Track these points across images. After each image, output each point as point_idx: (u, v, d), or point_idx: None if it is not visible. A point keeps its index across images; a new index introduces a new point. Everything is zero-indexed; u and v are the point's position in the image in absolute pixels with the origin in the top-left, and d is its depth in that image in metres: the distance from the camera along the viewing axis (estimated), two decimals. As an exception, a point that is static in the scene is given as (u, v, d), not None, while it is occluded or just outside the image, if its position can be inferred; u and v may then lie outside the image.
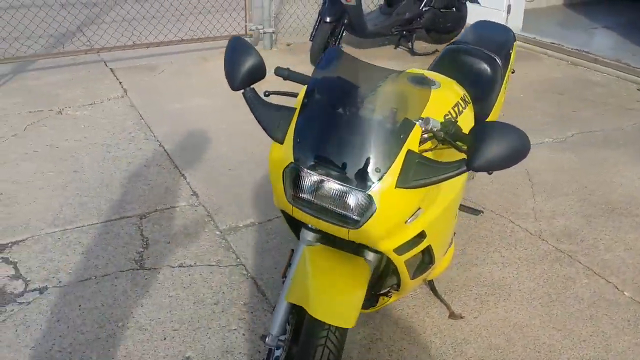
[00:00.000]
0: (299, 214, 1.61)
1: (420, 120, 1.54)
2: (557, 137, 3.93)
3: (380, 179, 1.46)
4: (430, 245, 1.78)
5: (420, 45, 5.74)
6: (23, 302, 2.36)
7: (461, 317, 2.39)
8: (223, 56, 1.70)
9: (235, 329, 2.27)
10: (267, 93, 1.80)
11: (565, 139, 3.91)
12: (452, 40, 2.80)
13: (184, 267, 2.59)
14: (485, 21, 2.87)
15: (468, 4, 5.63)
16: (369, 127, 1.49)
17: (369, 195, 1.46)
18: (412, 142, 1.50)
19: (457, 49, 2.52)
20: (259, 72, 1.61)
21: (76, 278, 2.50)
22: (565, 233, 2.90)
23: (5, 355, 2.13)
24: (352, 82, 1.57)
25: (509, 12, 6.12)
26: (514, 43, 2.76)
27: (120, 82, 4.67)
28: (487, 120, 2.43)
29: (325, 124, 1.50)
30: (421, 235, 1.70)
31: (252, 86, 1.65)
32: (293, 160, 1.51)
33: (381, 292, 1.97)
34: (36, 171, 3.33)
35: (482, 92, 2.44)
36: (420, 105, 1.61)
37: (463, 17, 5.75)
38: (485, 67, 2.47)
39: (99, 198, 3.09)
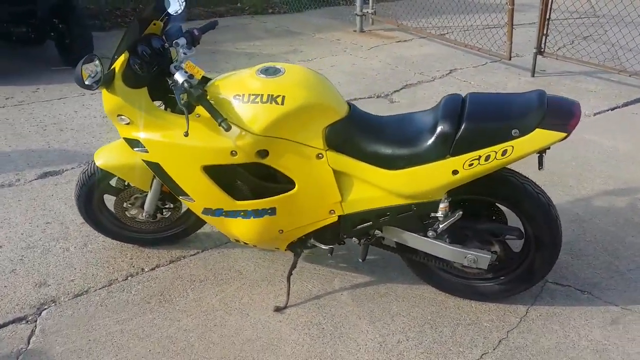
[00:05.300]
0: None
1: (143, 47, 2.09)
2: None
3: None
4: (163, 168, 2.12)
5: None
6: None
7: (281, 311, 2.38)
8: None
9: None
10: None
11: None
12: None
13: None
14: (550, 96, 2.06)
15: None
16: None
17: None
18: (119, 66, 2.03)
19: (454, 97, 2.15)
20: None
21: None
22: None
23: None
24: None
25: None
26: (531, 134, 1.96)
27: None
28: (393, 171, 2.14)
29: None
30: (140, 146, 2.11)
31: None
32: None
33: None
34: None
35: (405, 138, 2.13)
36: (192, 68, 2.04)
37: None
38: (430, 128, 2.07)
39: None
